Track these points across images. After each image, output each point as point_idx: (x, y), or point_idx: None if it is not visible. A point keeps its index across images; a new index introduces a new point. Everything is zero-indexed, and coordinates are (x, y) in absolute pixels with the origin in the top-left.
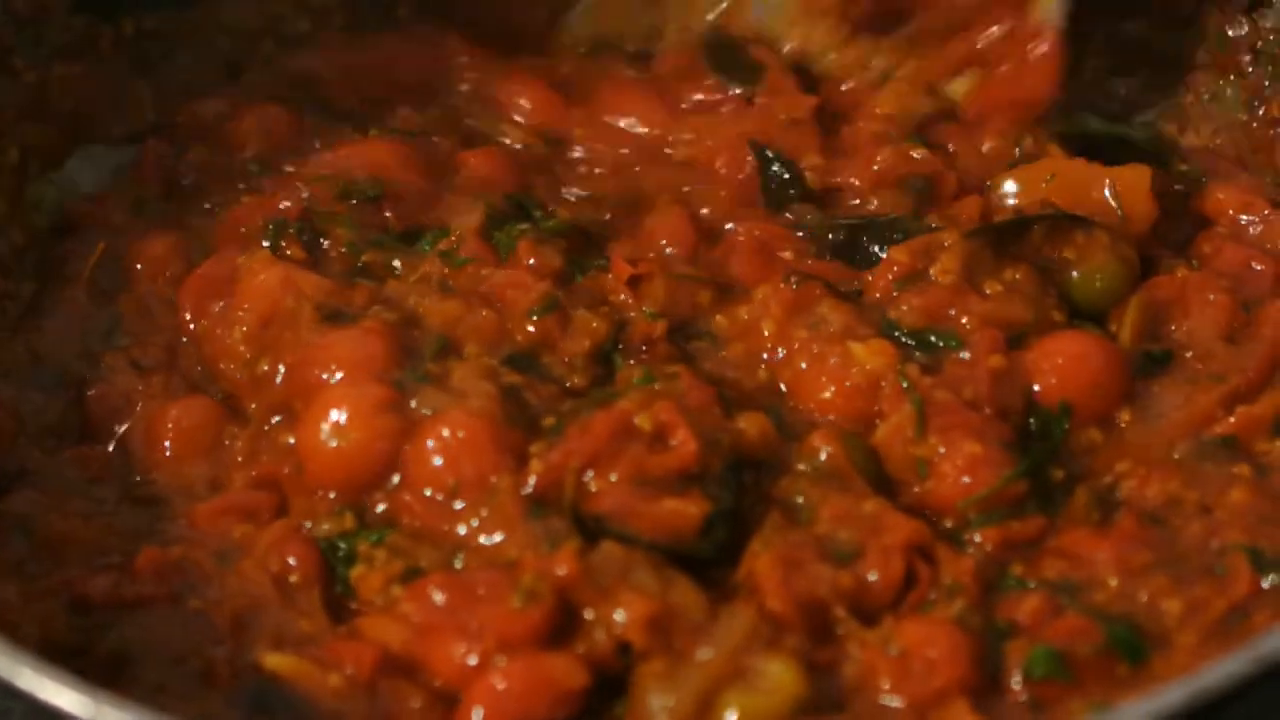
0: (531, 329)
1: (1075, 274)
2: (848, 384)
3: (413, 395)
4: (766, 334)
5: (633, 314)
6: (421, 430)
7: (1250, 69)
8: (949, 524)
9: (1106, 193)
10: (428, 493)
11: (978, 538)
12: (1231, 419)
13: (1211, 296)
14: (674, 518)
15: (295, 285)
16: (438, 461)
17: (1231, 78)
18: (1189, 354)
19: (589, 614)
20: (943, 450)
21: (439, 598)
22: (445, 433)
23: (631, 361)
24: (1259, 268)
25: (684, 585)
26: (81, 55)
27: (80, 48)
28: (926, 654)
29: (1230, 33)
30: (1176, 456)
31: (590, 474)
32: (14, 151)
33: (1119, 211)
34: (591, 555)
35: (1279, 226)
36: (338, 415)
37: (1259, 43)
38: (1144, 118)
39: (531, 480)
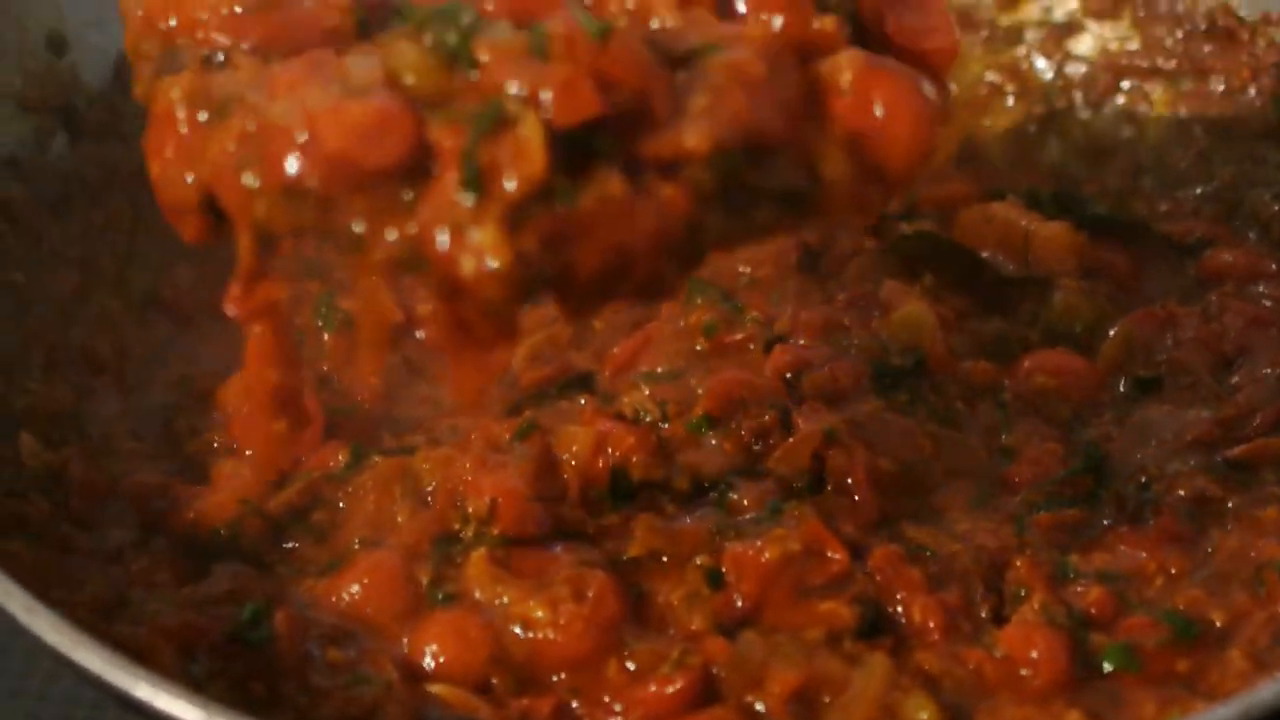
0: None
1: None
2: None
3: None
4: None
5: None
6: None
7: None
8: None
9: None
10: None
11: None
12: (1240, 448)
13: (1194, 333)
14: (830, 620)
15: None
16: None
17: None
18: (1179, 381)
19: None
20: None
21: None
22: None
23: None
24: (1267, 320)
25: (824, 651)
26: None
27: None
28: (1029, 656)
29: None
30: (1192, 464)
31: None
32: None
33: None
34: (734, 645)
35: None
36: None
37: None
38: (1205, 187)
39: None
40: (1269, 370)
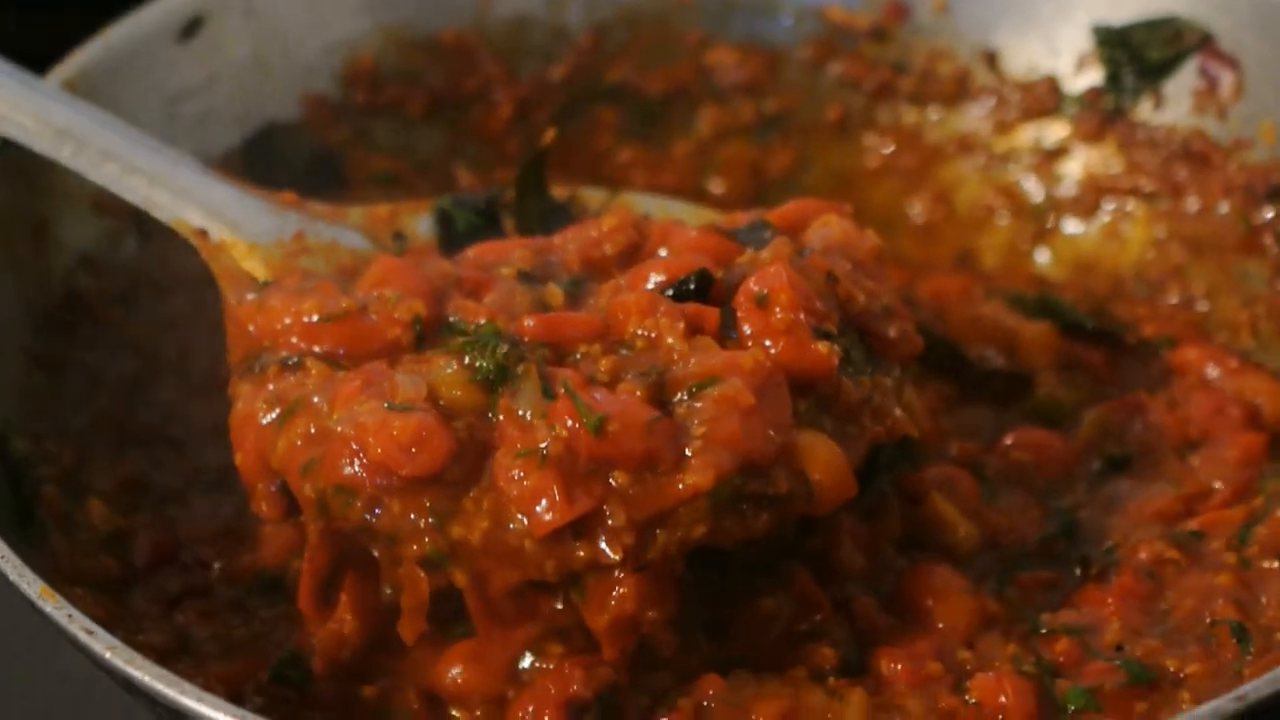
0: None
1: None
2: None
3: None
4: None
5: None
6: None
7: (1274, 249)
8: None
9: None
10: None
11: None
12: (1197, 519)
13: (1161, 419)
14: (813, 659)
15: None
16: None
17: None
18: (1145, 460)
19: None
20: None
21: None
22: None
23: None
24: (1228, 409)
25: (808, 685)
26: None
27: None
28: (999, 702)
29: (1253, 219)
30: (1154, 532)
31: None
32: None
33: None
34: (727, 681)
35: (1246, 378)
36: None
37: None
38: (1180, 296)
39: None
40: (1228, 453)
